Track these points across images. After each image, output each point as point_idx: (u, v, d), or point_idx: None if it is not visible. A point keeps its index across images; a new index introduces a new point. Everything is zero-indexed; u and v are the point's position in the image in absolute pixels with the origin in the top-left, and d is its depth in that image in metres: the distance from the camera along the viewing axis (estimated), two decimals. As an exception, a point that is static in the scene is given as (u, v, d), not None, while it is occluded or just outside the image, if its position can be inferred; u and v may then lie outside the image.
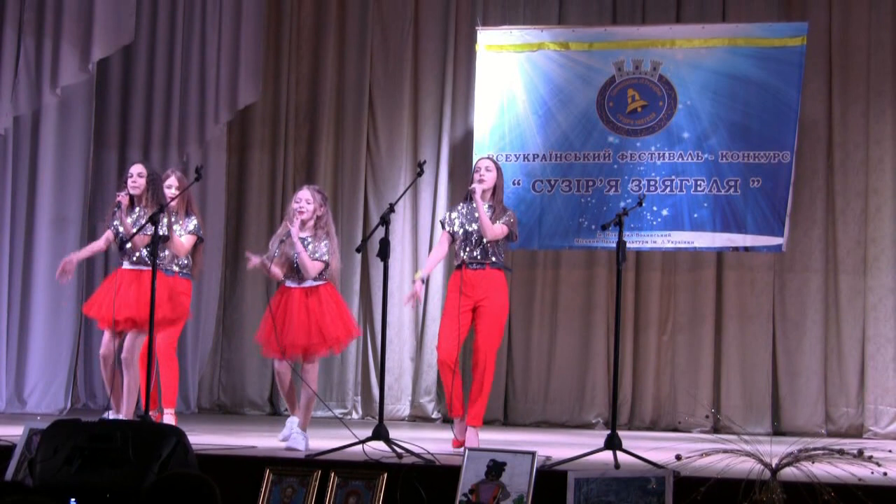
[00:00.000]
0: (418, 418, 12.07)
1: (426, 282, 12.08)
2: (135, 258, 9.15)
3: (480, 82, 11.70)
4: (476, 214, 8.84)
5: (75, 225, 11.64)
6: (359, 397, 12.25)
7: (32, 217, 11.55)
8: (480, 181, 8.91)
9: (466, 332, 8.95)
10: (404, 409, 12.15)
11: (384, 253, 8.33)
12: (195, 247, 9.66)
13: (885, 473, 6.12)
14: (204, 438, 9.23)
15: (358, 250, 8.68)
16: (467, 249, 8.94)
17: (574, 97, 11.55)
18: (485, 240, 8.83)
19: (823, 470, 6.10)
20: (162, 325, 9.23)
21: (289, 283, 8.92)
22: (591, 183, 11.44)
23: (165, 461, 6.70)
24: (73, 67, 11.20)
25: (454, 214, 9.10)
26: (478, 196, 8.82)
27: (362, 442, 8.07)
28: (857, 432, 11.26)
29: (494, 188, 8.98)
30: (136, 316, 8.99)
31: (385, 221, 8.43)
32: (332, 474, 7.12)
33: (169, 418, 9.82)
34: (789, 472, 6.10)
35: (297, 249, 8.74)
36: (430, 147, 12.32)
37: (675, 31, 11.53)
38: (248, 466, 7.46)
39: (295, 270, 8.87)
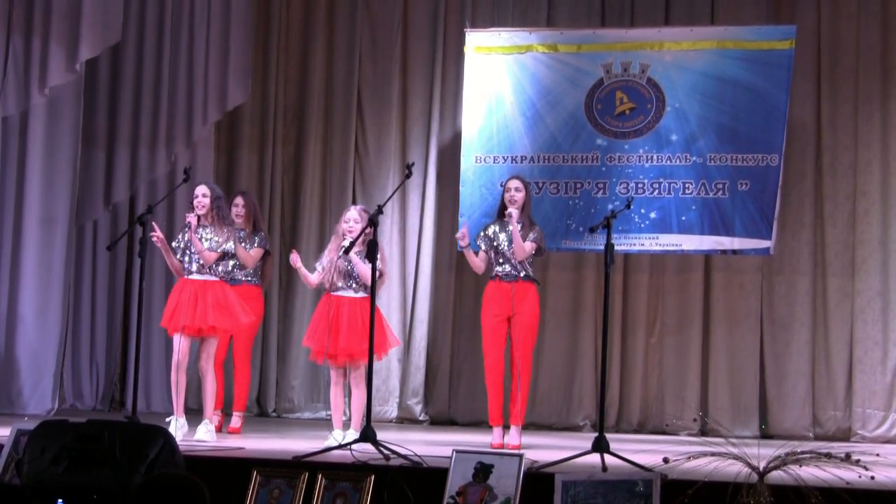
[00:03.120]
0: (406, 420, 12.05)
1: (414, 284, 12.13)
2: (197, 268, 9.61)
3: (469, 84, 11.69)
4: (510, 228, 9.49)
5: (63, 224, 11.61)
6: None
7: (20, 216, 11.51)
8: (511, 201, 9.60)
9: (506, 340, 9.62)
10: (392, 411, 12.14)
11: (372, 254, 8.36)
12: (263, 259, 10.56)
13: (872, 477, 6.12)
14: (191, 439, 9.24)
15: (346, 251, 8.75)
16: (501, 263, 9.58)
17: (562, 99, 11.54)
18: (516, 257, 9.49)
19: (811, 473, 6.11)
20: (242, 330, 10.17)
21: (340, 293, 9.30)
22: (579, 185, 11.44)
23: (152, 462, 6.70)
24: (61, 68, 11.17)
25: (489, 232, 9.73)
26: (514, 220, 9.45)
27: (350, 444, 8.08)
28: (845, 436, 11.26)
29: (523, 206, 9.60)
30: (217, 323, 9.53)
31: (374, 223, 8.49)
32: (320, 476, 7.13)
33: (237, 420, 10.49)
34: (777, 476, 6.10)
35: (354, 262, 9.19)
36: (418, 148, 12.32)
37: (663, 34, 11.53)
38: (236, 468, 7.46)
39: (348, 280, 9.28)
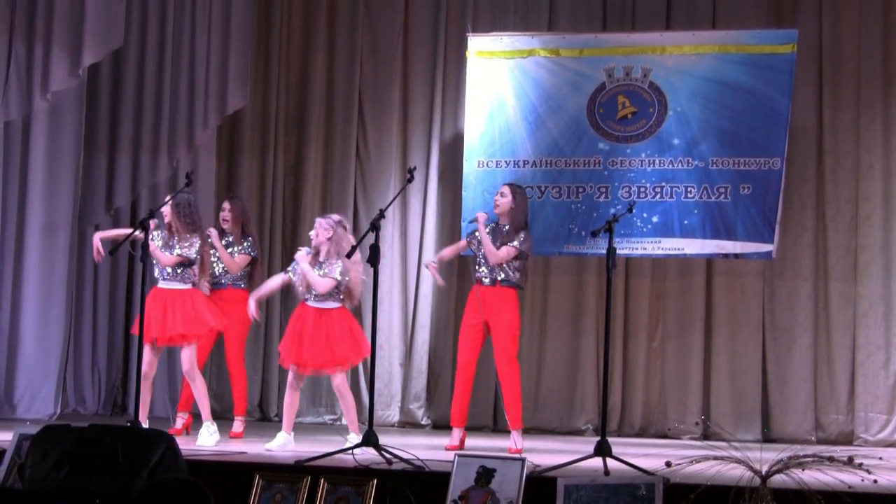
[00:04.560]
0: (408, 424, 12.05)
1: (416, 288, 12.13)
2: (167, 276, 9.78)
3: (470, 88, 11.68)
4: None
5: (65, 229, 11.62)
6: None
7: (22, 221, 11.52)
8: (495, 206, 9.80)
9: (481, 344, 9.70)
10: (394, 416, 12.14)
11: (374, 259, 8.36)
12: (252, 264, 10.57)
13: (875, 481, 6.13)
14: (194, 444, 9.25)
15: (348, 256, 8.77)
16: (480, 268, 9.69)
17: (564, 104, 11.54)
18: (489, 262, 9.60)
19: (813, 477, 6.11)
20: (229, 335, 10.33)
21: (309, 303, 9.33)
22: (581, 189, 11.44)
23: (155, 466, 6.69)
24: (63, 73, 11.18)
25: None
26: (480, 224, 9.65)
27: (352, 448, 8.09)
28: (847, 439, 11.26)
29: (512, 211, 9.69)
30: (185, 331, 9.64)
31: (375, 227, 8.48)
32: (322, 480, 7.13)
33: (238, 425, 10.44)
34: (779, 480, 6.10)
35: (305, 272, 9.21)
36: (419, 153, 12.31)
37: (665, 38, 11.53)
38: (238, 472, 7.46)
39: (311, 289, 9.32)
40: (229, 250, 10.33)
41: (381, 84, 12.47)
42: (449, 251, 10.43)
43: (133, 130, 12.20)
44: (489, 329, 9.64)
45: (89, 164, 12.06)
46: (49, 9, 11.26)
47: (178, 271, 9.68)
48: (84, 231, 12.12)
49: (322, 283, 9.11)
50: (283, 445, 9.05)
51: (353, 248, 8.77)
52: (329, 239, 9.20)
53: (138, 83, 12.23)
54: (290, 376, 9.33)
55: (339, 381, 9.29)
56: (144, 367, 9.46)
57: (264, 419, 12.24)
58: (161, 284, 9.73)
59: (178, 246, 9.64)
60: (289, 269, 9.44)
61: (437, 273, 10.10)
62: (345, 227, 9.36)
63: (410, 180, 9.13)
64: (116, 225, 12.14)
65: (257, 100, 12.46)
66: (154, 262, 9.67)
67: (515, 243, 9.56)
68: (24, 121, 11.48)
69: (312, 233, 9.33)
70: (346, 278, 9.14)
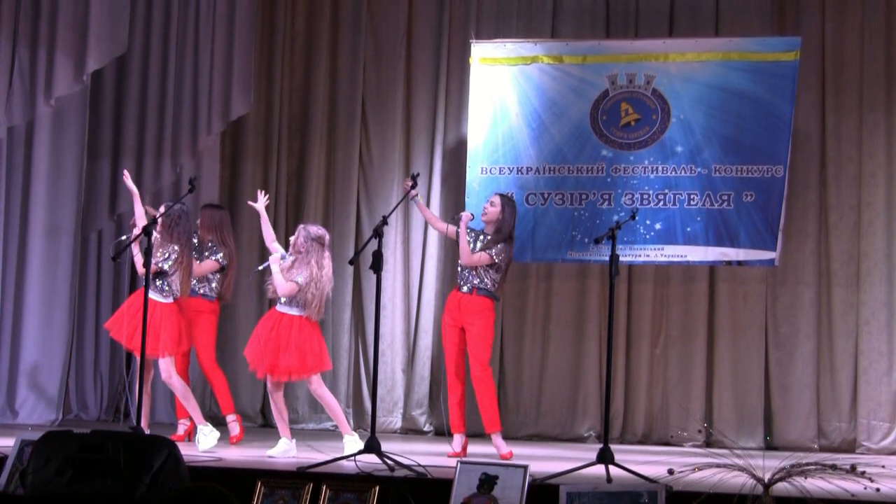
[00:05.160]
0: (410, 431, 12.04)
1: (419, 295, 12.12)
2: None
3: (474, 95, 11.68)
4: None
5: (68, 234, 11.63)
6: (350, 409, 12.21)
7: (26, 227, 11.54)
8: (483, 213, 9.83)
9: (456, 348, 9.75)
10: (396, 422, 12.13)
11: (377, 265, 8.38)
12: (223, 273, 10.58)
13: (877, 489, 6.12)
14: (195, 449, 9.25)
15: (351, 262, 8.85)
16: (461, 274, 9.76)
17: (567, 110, 11.54)
18: (461, 262, 9.68)
19: (816, 485, 6.10)
20: (189, 344, 10.23)
21: (278, 308, 9.45)
22: (584, 196, 11.44)
23: (157, 472, 6.69)
24: (67, 78, 11.20)
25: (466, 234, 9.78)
26: (463, 224, 9.66)
27: (354, 455, 8.09)
28: (850, 447, 11.25)
29: (498, 221, 9.73)
30: (150, 342, 9.47)
31: (378, 234, 8.51)
32: (324, 487, 7.12)
33: (235, 427, 10.47)
34: (782, 487, 6.09)
35: (272, 272, 9.35)
36: (422, 159, 12.31)
37: (668, 45, 11.53)
38: (240, 478, 7.45)
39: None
40: (197, 257, 10.32)
41: (385, 90, 12.47)
42: (434, 218, 10.58)
43: (137, 136, 12.22)
44: (465, 336, 9.72)
45: (93, 169, 12.09)
46: (53, 14, 11.28)
47: (157, 283, 9.68)
48: (87, 236, 12.14)
49: (284, 286, 9.21)
50: (285, 452, 9.07)
51: (356, 255, 8.80)
52: (304, 250, 9.29)
53: (142, 88, 12.25)
54: (267, 384, 9.45)
55: (315, 384, 9.37)
56: (163, 376, 9.65)
57: (266, 425, 12.22)
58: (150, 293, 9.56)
59: (156, 255, 9.61)
60: (283, 255, 9.48)
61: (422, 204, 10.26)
62: (322, 244, 9.39)
63: (414, 187, 9.15)
64: (119, 230, 12.16)
65: (261, 105, 12.46)
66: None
67: (493, 251, 9.61)
68: (28, 126, 11.51)
69: (293, 237, 9.44)
70: (311, 287, 9.21)
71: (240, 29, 12.02)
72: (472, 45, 11.73)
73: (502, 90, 11.61)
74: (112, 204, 12.21)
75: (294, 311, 9.27)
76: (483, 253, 9.60)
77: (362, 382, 12.16)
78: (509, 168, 11.54)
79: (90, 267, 12.29)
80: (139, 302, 9.46)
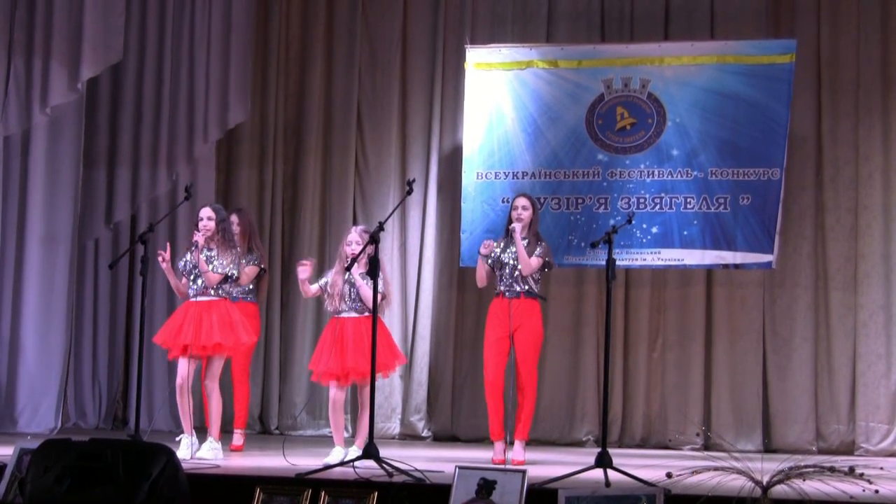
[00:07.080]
0: (408, 436, 12.04)
1: (416, 301, 12.12)
2: (200, 289, 9.55)
3: (469, 100, 11.70)
4: (513, 249, 9.57)
5: (65, 243, 11.63)
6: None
7: (23, 235, 11.53)
8: (518, 219, 9.65)
9: (507, 356, 9.62)
10: (394, 428, 12.13)
11: (374, 271, 8.37)
12: (259, 276, 10.58)
13: (876, 491, 6.13)
14: (194, 457, 9.23)
15: (348, 268, 8.77)
16: (504, 280, 9.61)
17: (563, 115, 11.55)
18: (523, 273, 9.53)
19: (814, 487, 6.11)
20: (240, 348, 9.99)
21: (344, 315, 9.25)
22: (580, 200, 11.45)
23: (156, 480, 6.69)
24: (62, 87, 11.20)
25: (496, 248, 9.70)
26: (517, 235, 9.53)
27: (353, 461, 8.08)
28: (848, 449, 11.25)
29: (530, 223, 9.65)
30: (222, 340, 9.43)
31: (375, 240, 8.49)
32: (323, 493, 7.13)
33: (238, 438, 10.47)
34: (780, 490, 6.09)
35: (358, 284, 9.17)
36: (418, 165, 12.31)
37: (663, 49, 11.54)
38: (239, 485, 7.46)
39: (350, 301, 9.26)
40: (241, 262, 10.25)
41: (380, 95, 12.47)
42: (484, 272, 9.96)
43: (132, 144, 12.21)
44: (514, 341, 9.57)
45: (89, 177, 12.08)
46: (48, 23, 11.29)
47: (226, 287, 9.59)
48: (84, 244, 12.13)
49: (370, 294, 8.94)
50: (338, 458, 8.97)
51: (353, 261, 8.78)
52: (365, 247, 9.00)
53: (137, 97, 12.24)
54: (331, 392, 9.30)
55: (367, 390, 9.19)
56: (179, 380, 9.41)
57: (265, 432, 12.23)
58: (199, 298, 9.49)
59: (218, 262, 9.52)
60: (320, 281, 9.38)
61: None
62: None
63: (409, 192, 9.12)
64: (116, 239, 12.16)
65: (256, 111, 12.44)
66: (196, 274, 9.50)
67: (539, 252, 9.58)
68: (24, 135, 11.50)
69: (349, 247, 9.19)
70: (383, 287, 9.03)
71: (236, 36, 12.01)
72: (467, 49, 11.76)
73: (498, 95, 11.62)
74: (108, 212, 12.21)
75: (365, 314, 9.17)
76: (535, 259, 9.56)
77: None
78: (505, 173, 11.55)
79: (87, 275, 12.29)
80: (195, 309, 9.42)
